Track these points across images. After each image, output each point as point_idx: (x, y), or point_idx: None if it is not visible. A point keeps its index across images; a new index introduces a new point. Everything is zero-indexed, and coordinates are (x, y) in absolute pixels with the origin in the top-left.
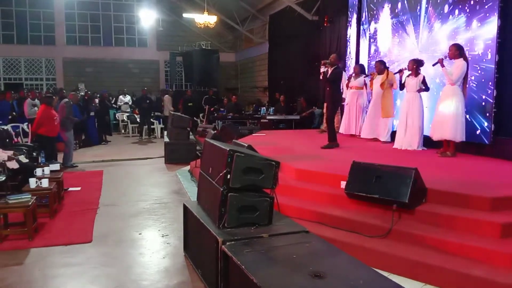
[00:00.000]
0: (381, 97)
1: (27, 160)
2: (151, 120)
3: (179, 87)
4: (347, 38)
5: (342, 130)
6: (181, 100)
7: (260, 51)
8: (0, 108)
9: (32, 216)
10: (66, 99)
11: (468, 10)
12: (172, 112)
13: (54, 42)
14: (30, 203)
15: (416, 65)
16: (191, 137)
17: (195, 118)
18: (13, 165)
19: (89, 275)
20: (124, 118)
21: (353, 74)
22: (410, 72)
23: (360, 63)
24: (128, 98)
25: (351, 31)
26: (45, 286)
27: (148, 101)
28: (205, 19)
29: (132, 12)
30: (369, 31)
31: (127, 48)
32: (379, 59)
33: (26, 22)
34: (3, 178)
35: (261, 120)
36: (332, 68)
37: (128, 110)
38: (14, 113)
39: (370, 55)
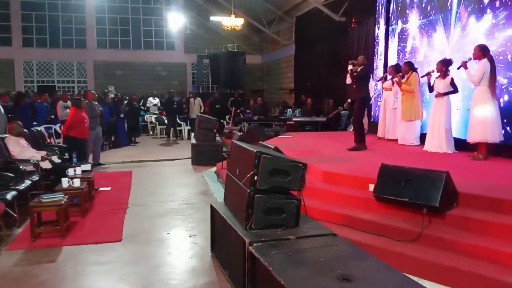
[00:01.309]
0: (402, 99)
1: (59, 161)
2: (179, 122)
3: (206, 89)
4: (375, 39)
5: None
6: (207, 102)
7: (286, 53)
8: (38, 109)
9: (65, 215)
10: (87, 100)
11: (510, 3)
12: (199, 114)
13: (85, 45)
14: (62, 202)
15: (444, 66)
16: (218, 138)
17: (221, 120)
18: (46, 165)
19: (119, 273)
20: (153, 119)
21: (386, 75)
22: (439, 74)
23: (396, 63)
24: (157, 100)
25: (380, 32)
26: (77, 283)
27: (175, 103)
28: (232, 21)
29: (160, 15)
30: (398, 31)
31: (155, 51)
32: (407, 60)
33: (58, 26)
34: (37, 178)
35: (287, 122)
36: (360, 68)
37: (157, 112)
38: (52, 116)
39: (399, 56)
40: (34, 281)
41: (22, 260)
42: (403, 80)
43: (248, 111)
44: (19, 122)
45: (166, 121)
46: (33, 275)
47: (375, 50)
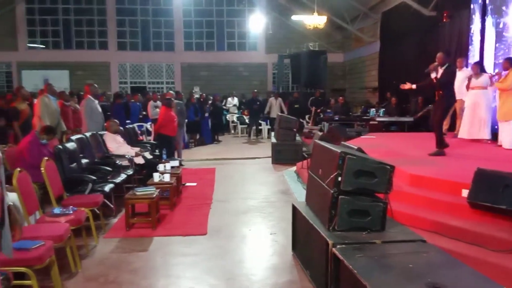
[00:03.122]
0: (508, 98)
1: (151, 157)
2: (259, 121)
3: (286, 88)
4: (470, 34)
5: (464, 134)
6: (287, 102)
7: (370, 50)
8: (131, 108)
9: (156, 207)
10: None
11: None
12: (279, 114)
13: (173, 48)
14: (154, 196)
15: None
16: (298, 138)
17: (300, 120)
18: (139, 160)
19: (204, 266)
20: (234, 119)
21: (473, 74)
22: None
23: (477, 61)
24: (236, 100)
25: (474, 27)
26: (167, 272)
27: (258, 103)
28: (315, 20)
29: (243, 17)
30: (495, 26)
31: (238, 52)
32: (508, 56)
33: (149, 30)
34: (131, 172)
35: (370, 122)
36: (443, 68)
37: (236, 111)
38: (144, 113)
39: (496, 52)
40: (128, 268)
41: (118, 247)
42: (501, 79)
43: (328, 110)
44: (115, 120)
45: (247, 121)
46: (128, 262)
47: (469, 46)
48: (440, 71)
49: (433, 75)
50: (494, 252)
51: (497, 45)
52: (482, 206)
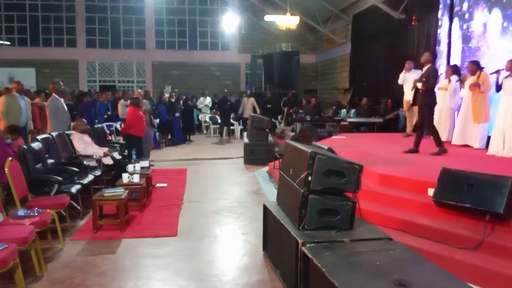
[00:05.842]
0: (472, 100)
1: (120, 157)
2: (231, 121)
3: (259, 89)
4: (437, 38)
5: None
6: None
7: (341, 52)
8: (98, 108)
9: (124, 209)
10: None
11: None
12: (252, 114)
13: (144, 46)
14: (123, 197)
15: None
16: (270, 138)
17: (273, 120)
18: (108, 161)
19: (174, 267)
20: (207, 119)
21: (441, 75)
22: (508, 73)
23: (454, 63)
24: (208, 100)
25: (442, 30)
26: (136, 274)
27: (228, 103)
28: (287, 21)
29: (216, 16)
30: (462, 29)
31: (210, 52)
32: (473, 59)
33: (119, 28)
34: (99, 173)
35: (341, 123)
36: (426, 68)
37: (208, 112)
38: (109, 113)
39: (463, 55)
40: (96, 271)
41: (85, 250)
42: (471, 80)
43: (300, 111)
44: (83, 119)
45: (219, 121)
46: (95, 265)
47: (437, 49)
48: (425, 71)
49: (419, 85)
50: (459, 249)
51: (463, 47)
52: (447, 205)
